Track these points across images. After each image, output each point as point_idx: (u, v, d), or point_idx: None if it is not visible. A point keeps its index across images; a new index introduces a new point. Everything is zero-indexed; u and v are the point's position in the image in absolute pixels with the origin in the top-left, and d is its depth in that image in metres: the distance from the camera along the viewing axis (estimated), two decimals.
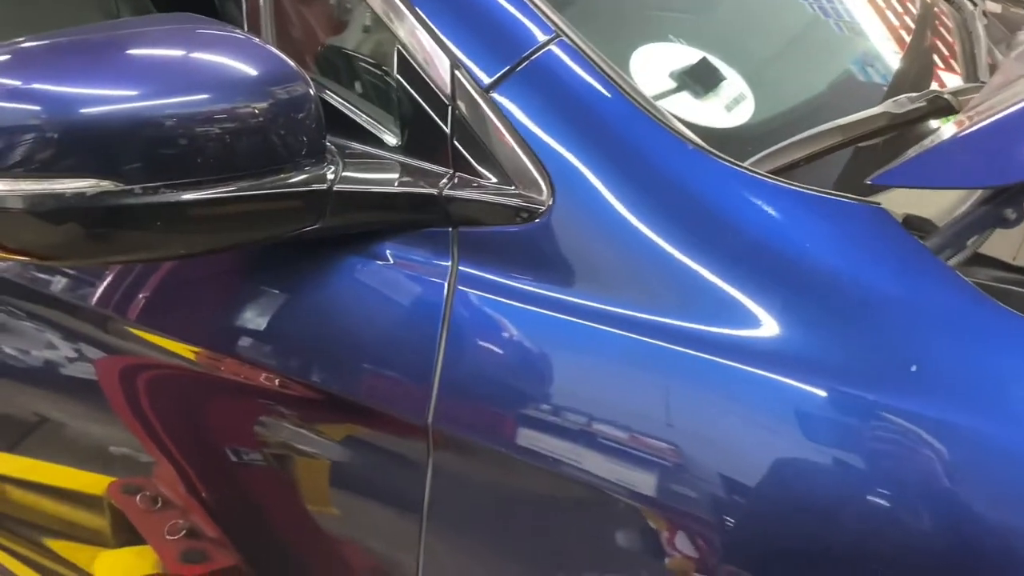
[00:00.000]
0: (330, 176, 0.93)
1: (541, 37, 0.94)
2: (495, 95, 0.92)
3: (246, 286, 1.05)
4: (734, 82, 1.07)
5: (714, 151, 0.89)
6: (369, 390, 0.97)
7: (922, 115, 1.17)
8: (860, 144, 1.09)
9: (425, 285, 0.95)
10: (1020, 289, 0.88)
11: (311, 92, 0.92)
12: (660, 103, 1.01)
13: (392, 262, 0.97)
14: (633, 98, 0.91)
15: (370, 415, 0.99)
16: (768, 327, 0.81)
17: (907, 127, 1.15)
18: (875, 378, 0.76)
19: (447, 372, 0.93)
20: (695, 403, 0.82)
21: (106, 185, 0.82)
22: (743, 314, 0.81)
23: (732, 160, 0.89)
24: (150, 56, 0.92)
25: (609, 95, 0.91)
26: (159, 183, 0.84)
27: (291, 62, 0.93)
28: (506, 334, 0.91)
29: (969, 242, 0.83)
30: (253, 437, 1.08)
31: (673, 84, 1.04)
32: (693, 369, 0.82)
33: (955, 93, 1.21)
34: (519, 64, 0.93)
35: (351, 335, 0.98)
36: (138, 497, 1.22)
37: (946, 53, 1.45)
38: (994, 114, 0.80)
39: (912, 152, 0.82)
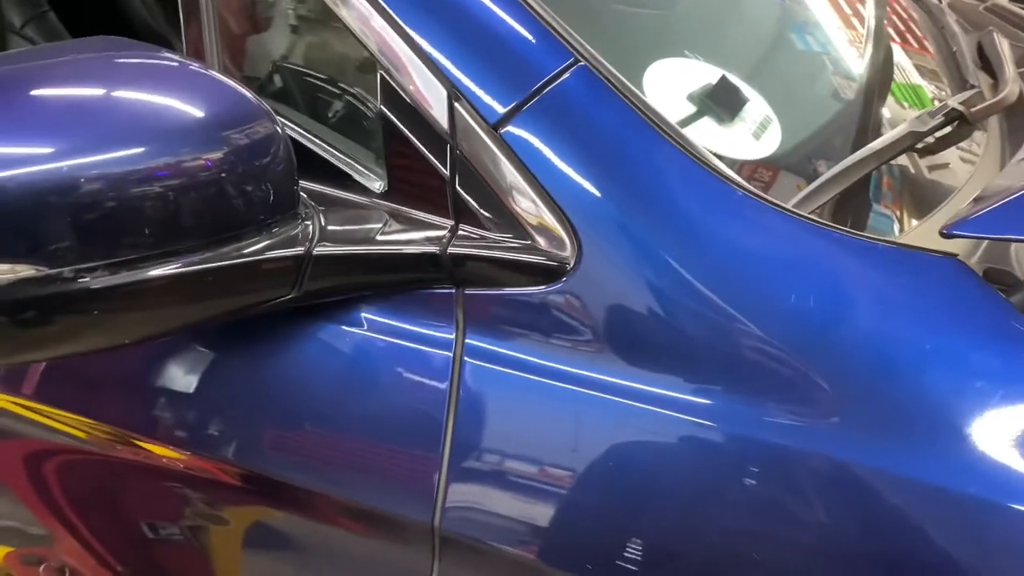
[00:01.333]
0: (307, 236, 0.76)
1: (559, 62, 0.79)
2: (507, 131, 0.77)
3: (196, 360, 0.87)
4: (756, 103, 0.95)
5: (763, 195, 0.77)
6: (358, 487, 0.81)
7: (938, 128, 1.08)
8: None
9: (425, 359, 0.79)
10: None
11: (278, 131, 0.75)
12: (687, 129, 0.88)
13: (383, 331, 0.81)
14: (671, 136, 0.77)
15: (359, 516, 0.84)
16: (835, 412, 0.70)
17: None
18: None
19: (455, 464, 0.78)
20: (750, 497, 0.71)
21: (25, 271, 0.63)
22: (805, 397, 0.70)
23: (784, 206, 0.77)
24: (65, 97, 0.72)
25: (643, 133, 0.77)
26: (92, 263, 0.66)
27: (250, 94, 0.75)
28: (526, 417, 0.77)
29: None
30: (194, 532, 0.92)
31: (693, 108, 0.90)
32: (749, 459, 0.71)
33: (964, 103, 1.12)
34: (534, 95, 0.77)
35: (331, 421, 0.82)
36: (41, 568, 1.05)
37: (915, 45, 1.37)
38: None
39: (993, 198, 0.72)
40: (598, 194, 0.75)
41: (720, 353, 0.73)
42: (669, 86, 0.91)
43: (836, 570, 0.69)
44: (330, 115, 0.90)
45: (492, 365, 0.78)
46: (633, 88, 0.80)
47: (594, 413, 0.75)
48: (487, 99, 0.77)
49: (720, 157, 0.84)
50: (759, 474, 0.70)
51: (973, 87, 1.15)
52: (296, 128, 0.88)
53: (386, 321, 0.81)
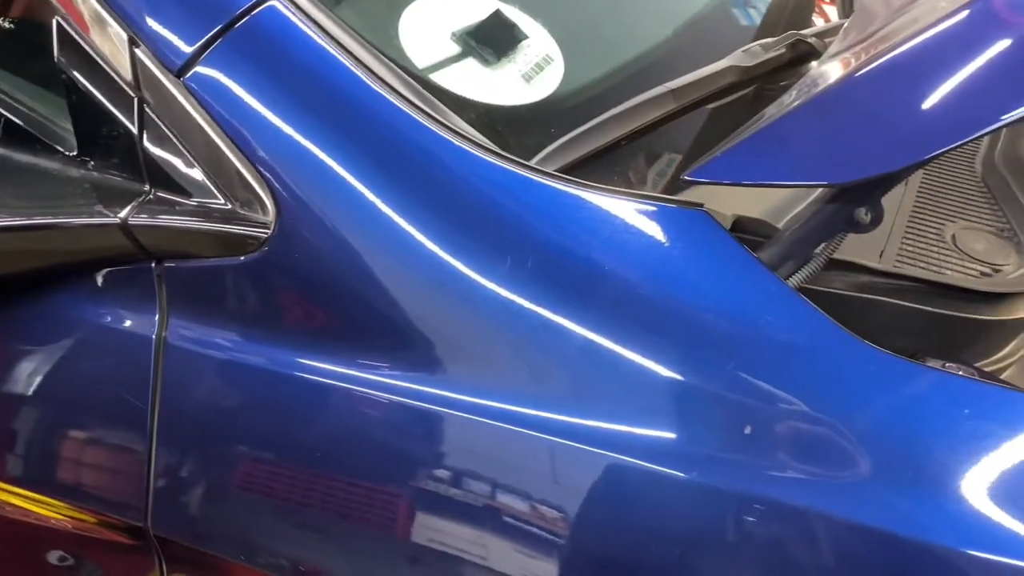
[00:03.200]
0: None
1: None
2: (194, 76, 0.67)
3: None
4: (538, 40, 0.84)
5: (488, 146, 0.67)
6: (69, 491, 0.74)
7: (781, 65, 0.97)
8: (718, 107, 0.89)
9: (126, 346, 0.71)
10: (887, 299, 0.70)
11: None
12: (439, 75, 0.78)
13: (84, 316, 0.72)
14: (385, 81, 0.67)
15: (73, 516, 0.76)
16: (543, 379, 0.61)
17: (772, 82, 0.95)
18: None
19: (161, 462, 0.70)
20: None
21: None
22: (507, 367, 0.62)
23: (513, 159, 0.67)
24: None
25: (350, 78, 0.66)
26: None
27: None
28: (233, 408, 0.69)
29: (817, 250, 0.63)
30: None
31: (456, 49, 0.80)
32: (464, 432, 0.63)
33: (820, 34, 1.01)
34: (221, 34, 0.67)
35: (37, 421, 0.74)
36: None
37: None
38: (833, 89, 0.60)
39: (732, 140, 0.62)
40: (299, 148, 0.66)
41: (439, 328, 0.64)
42: (430, 23, 0.81)
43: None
44: (9, 69, 0.81)
45: (196, 349, 0.69)
46: (344, 25, 0.69)
47: (309, 401, 0.67)
48: (170, 41, 0.67)
49: (469, 102, 0.75)
50: (440, 441, 0.63)
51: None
52: None
53: (86, 305, 0.72)
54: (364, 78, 0.66)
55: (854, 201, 0.60)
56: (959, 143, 0.53)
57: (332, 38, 0.68)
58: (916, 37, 0.59)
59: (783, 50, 0.95)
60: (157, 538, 0.72)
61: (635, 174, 0.81)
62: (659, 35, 0.95)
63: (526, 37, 0.83)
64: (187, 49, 0.67)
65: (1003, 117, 0.52)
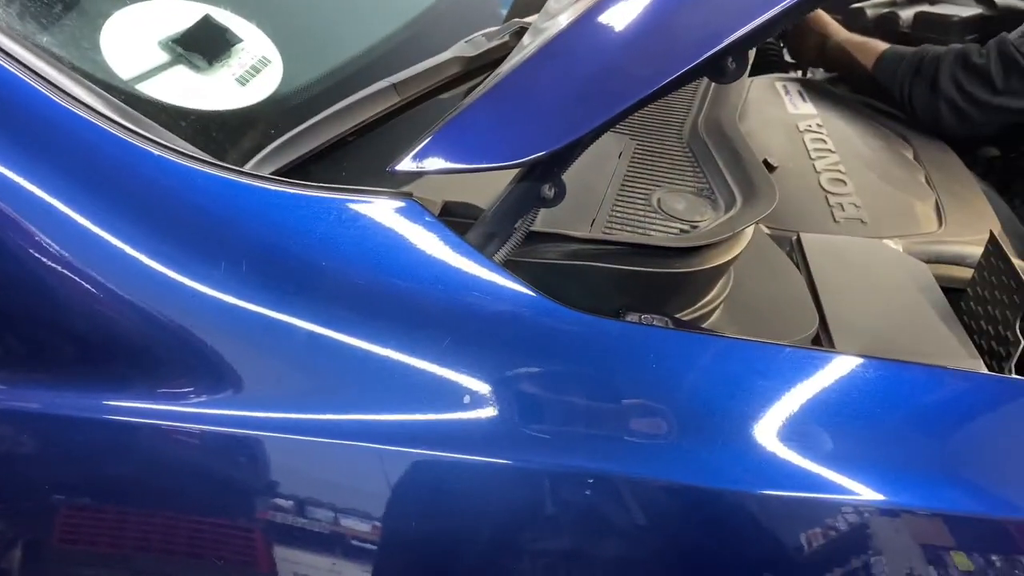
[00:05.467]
0: None
1: None
2: None
3: None
4: (254, 43, 0.84)
5: (193, 154, 0.67)
6: None
7: (507, 54, 1.02)
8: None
9: None
10: (596, 264, 0.76)
11: None
12: (146, 86, 0.76)
13: None
14: (69, 92, 0.65)
15: None
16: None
17: None
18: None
19: None
20: None
21: None
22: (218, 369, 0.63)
23: (220, 164, 0.67)
24: None
25: (35, 96, 0.64)
26: None
27: None
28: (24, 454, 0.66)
29: (516, 226, 0.68)
30: None
31: (164, 58, 0.79)
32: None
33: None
34: None
35: None
36: None
37: None
38: (505, 76, 0.65)
39: (430, 131, 0.65)
40: None
41: (177, 345, 0.64)
42: (134, 34, 0.79)
43: None
44: None
45: None
46: (28, 44, 0.67)
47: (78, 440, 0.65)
48: None
49: (179, 111, 0.74)
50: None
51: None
52: None
53: None
54: (50, 95, 0.64)
55: (539, 179, 0.66)
56: (608, 120, 0.59)
57: (12, 58, 0.65)
58: (572, 21, 0.65)
59: (507, 38, 1.00)
60: None
61: (364, 169, 0.84)
62: (384, 31, 0.97)
63: (240, 40, 0.82)
64: None
65: (643, 92, 0.58)
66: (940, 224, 1.16)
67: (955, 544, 0.63)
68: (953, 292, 0.97)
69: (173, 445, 0.65)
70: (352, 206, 0.66)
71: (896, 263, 0.97)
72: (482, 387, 0.63)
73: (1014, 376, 0.80)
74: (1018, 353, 0.80)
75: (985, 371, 0.81)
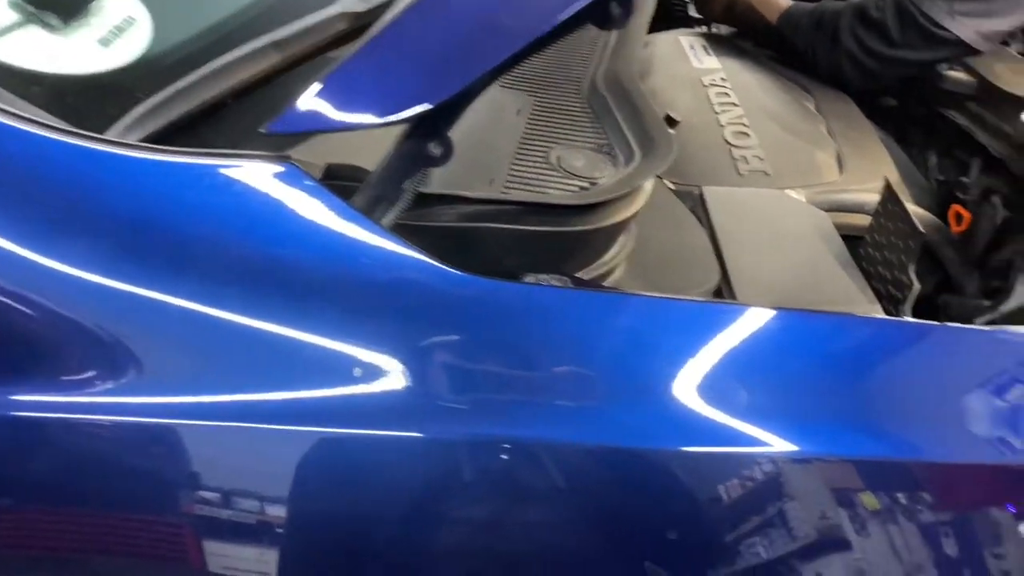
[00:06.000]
0: None
1: None
2: None
3: None
4: (118, 1, 0.78)
5: (44, 121, 0.61)
6: None
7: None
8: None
9: None
10: (493, 224, 0.74)
11: None
12: None
13: None
14: None
15: None
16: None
17: None
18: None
19: None
20: None
21: None
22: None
23: (77, 132, 0.61)
24: None
25: None
26: None
27: None
28: None
29: (404, 186, 0.65)
30: None
31: (13, 17, 0.72)
32: None
33: None
34: None
35: None
36: None
37: None
38: (381, 30, 0.61)
39: (303, 89, 0.61)
40: None
41: (52, 331, 0.59)
42: None
43: None
44: None
45: None
46: None
47: None
48: None
49: (32, 75, 0.68)
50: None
51: None
52: None
53: None
54: None
55: (425, 136, 0.63)
56: (490, 70, 0.56)
57: None
58: None
59: None
60: None
61: (246, 135, 0.79)
62: None
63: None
64: None
65: (524, 41, 0.56)
66: (841, 174, 1.17)
67: (863, 487, 0.64)
68: (854, 240, 0.99)
69: (54, 434, 0.61)
70: (224, 171, 0.62)
71: (797, 213, 0.97)
72: (378, 359, 0.60)
73: (912, 320, 0.82)
74: (913, 297, 0.81)
75: (883, 316, 0.82)
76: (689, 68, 1.38)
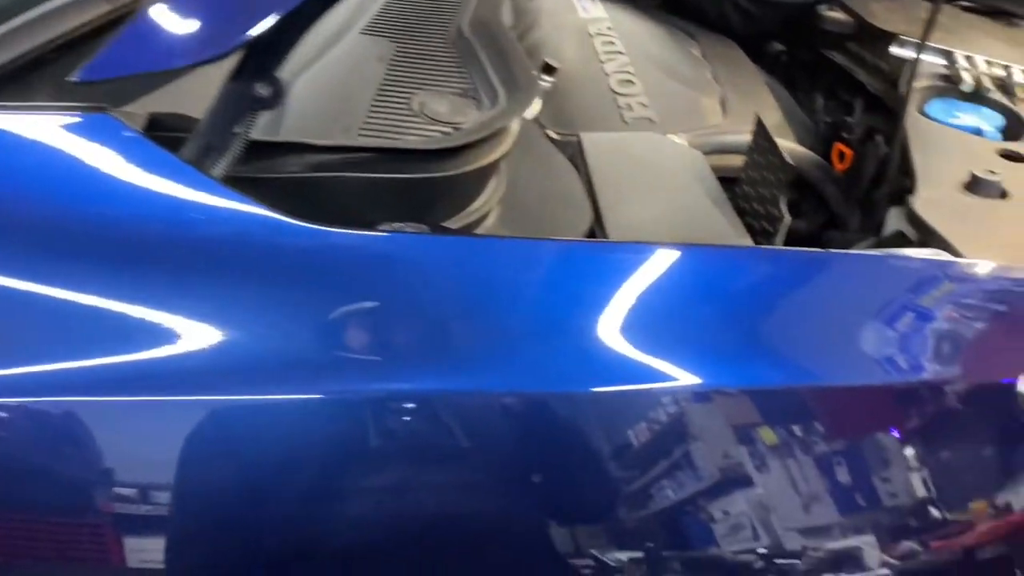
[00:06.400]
0: None
1: None
2: None
3: None
4: None
5: None
6: None
7: None
8: None
9: None
10: (346, 174, 0.70)
11: None
12: None
13: None
14: None
15: None
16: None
17: None
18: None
19: None
20: None
21: None
22: None
23: None
24: None
25: None
26: None
27: None
28: None
29: (235, 130, 0.60)
30: None
31: None
32: None
33: None
34: None
35: None
36: None
37: None
38: None
39: (114, 34, 0.56)
40: None
41: None
42: None
43: None
44: None
45: None
46: None
47: None
48: None
49: None
50: None
51: None
52: None
53: None
54: None
55: (250, 76, 0.58)
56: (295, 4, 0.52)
57: None
58: None
59: None
60: None
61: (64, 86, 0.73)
62: None
63: None
64: None
65: None
66: (725, 117, 1.17)
67: (761, 420, 0.62)
68: (734, 182, 0.98)
69: None
70: (34, 124, 0.57)
71: (673, 154, 0.96)
72: (214, 321, 0.56)
73: (802, 249, 0.81)
74: (784, 228, 0.81)
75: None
76: (576, 18, 1.36)
